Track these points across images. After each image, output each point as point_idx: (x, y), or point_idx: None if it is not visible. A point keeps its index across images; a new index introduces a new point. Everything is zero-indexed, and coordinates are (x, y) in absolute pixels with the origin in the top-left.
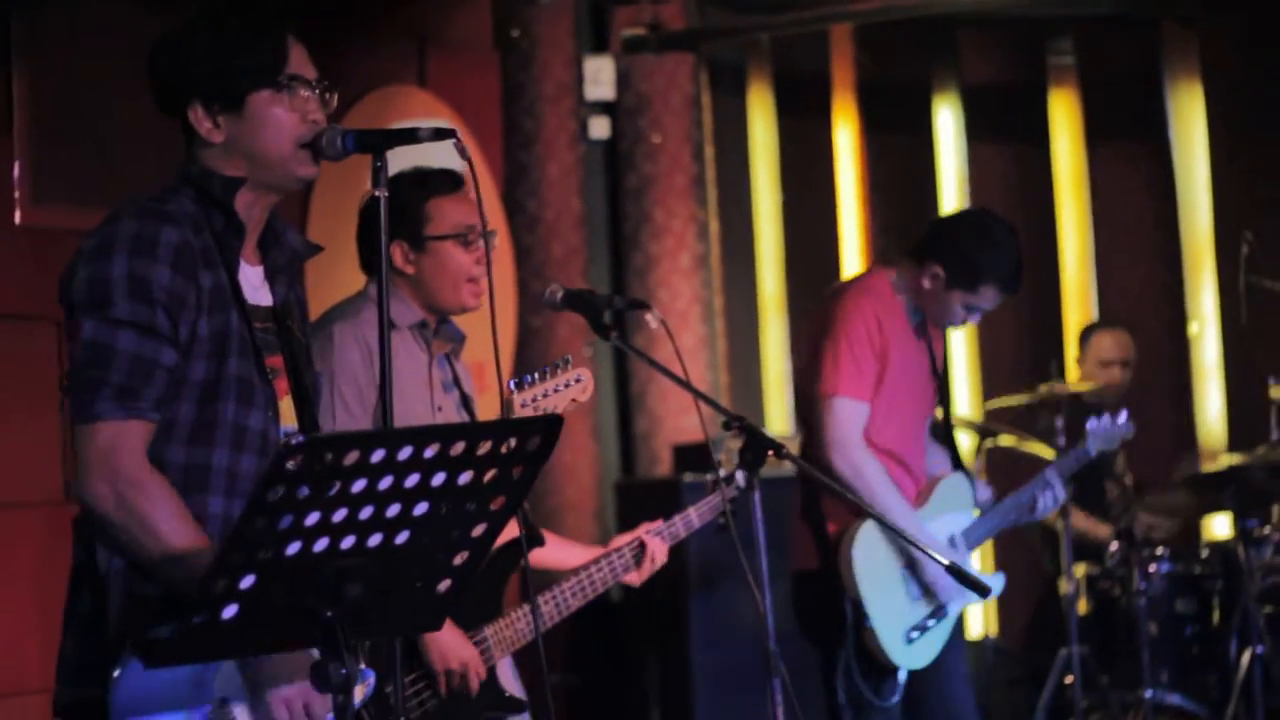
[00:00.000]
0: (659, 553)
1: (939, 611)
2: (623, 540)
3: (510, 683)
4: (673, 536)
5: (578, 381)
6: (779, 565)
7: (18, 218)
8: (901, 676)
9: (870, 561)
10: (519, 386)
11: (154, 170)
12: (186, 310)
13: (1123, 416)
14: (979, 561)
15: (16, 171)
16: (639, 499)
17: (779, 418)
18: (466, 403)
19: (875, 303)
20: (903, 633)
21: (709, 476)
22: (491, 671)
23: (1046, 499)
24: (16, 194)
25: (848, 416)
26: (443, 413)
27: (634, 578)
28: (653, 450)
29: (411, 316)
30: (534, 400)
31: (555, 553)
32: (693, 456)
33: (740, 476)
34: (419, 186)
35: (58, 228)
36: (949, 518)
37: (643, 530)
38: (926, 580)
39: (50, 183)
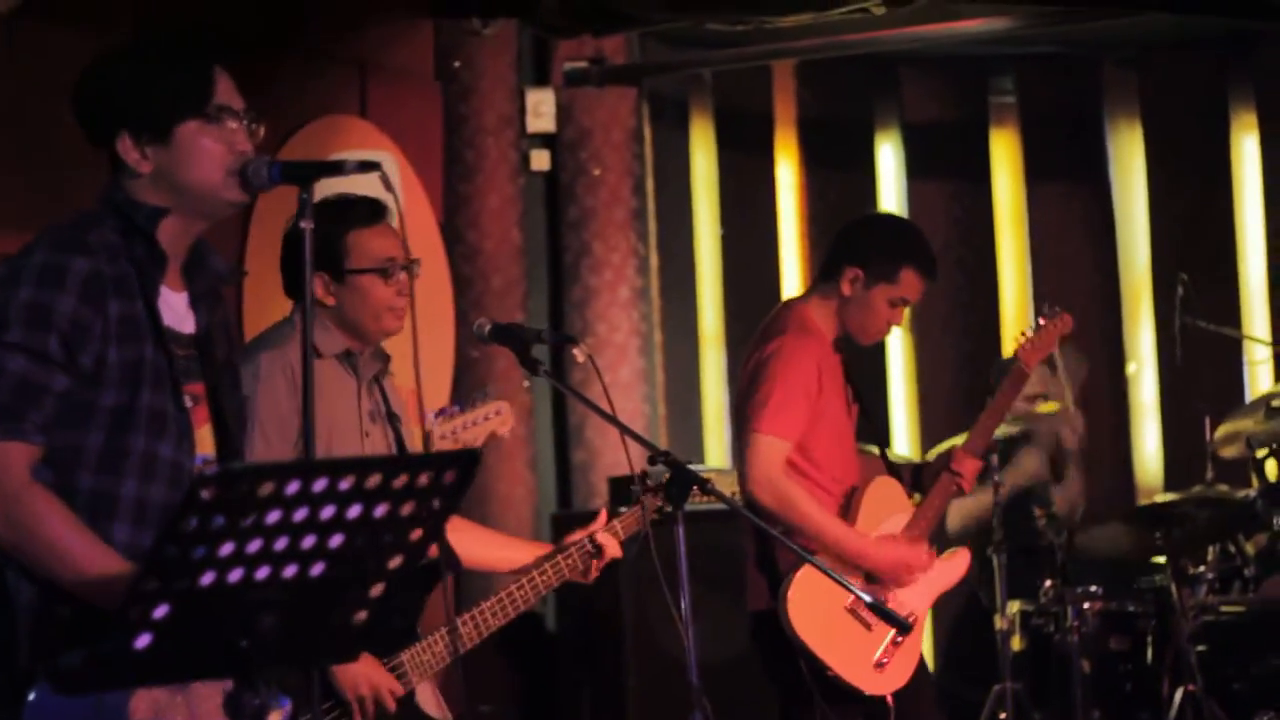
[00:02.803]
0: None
1: (903, 626)
2: (574, 539)
3: (433, 707)
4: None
5: (497, 414)
6: (711, 598)
7: None
8: (890, 700)
9: (810, 611)
10: (439, 417)
11: (95, 197)
12: (91, 340)
13: (1053, 318)
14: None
15: None
16: (574, 531)
17: (717, 452)
18: (394, 422)
19: (815, 344)
20: (870, 663)
21: (633, 487)
22: (410, 696)
23: (966, 476)
24: None
25: (771, 453)
26: (370, 439)
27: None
28: (590, 483)
29: (336, 345)
30: (453, 432)
31: (496, 550)
32: (629, 489)
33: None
34: (339, 220)
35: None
36: (888, 523)
37: (594, 529)
38: (883, 595)
39: None
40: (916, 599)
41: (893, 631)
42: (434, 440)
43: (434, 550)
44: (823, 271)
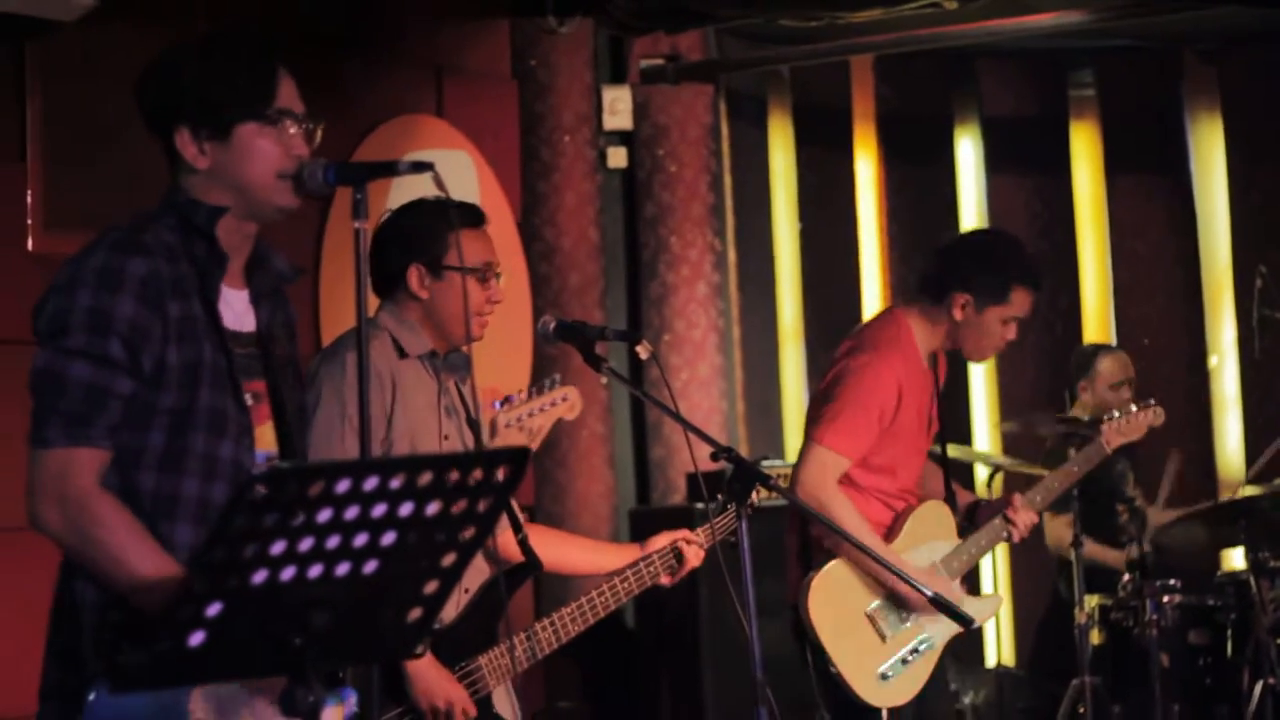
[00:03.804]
0: (694, 559)
1: (920, 645)
2: (656, 545)
3: (508, 710)
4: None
5: (564, 400)
6: (783, 592)
7: (30, 244)
8: (884, 717)
9: (830, 606)
10: (503, 405)
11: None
12: (151, 341)
13: (1149, 412)
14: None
15: (30, 199)
16: (653, 527)
17: (796, 448)
18: (474, 427)
19: (901, 363)
20: (874, 673)
21: (719, 496)
22: (487, 700)
23: (1021, 528)
24: (29, 221)
25: (826, 466)
26: (449, 441)
27: (667, 580)
28: (668, 479)
29: (421, 346)
30: (518, 420)
31: (579, 553)
32: (708, 485)
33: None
34: (443, 214)
35: (70, 254)
36: (926, 547)
37: (678, 536)
38: (907, 613)
39: (63, 210)
40: (939, 630)
41: (908, 649)
42: (499, 428)
43: (518, 554)
44: (928, 290)
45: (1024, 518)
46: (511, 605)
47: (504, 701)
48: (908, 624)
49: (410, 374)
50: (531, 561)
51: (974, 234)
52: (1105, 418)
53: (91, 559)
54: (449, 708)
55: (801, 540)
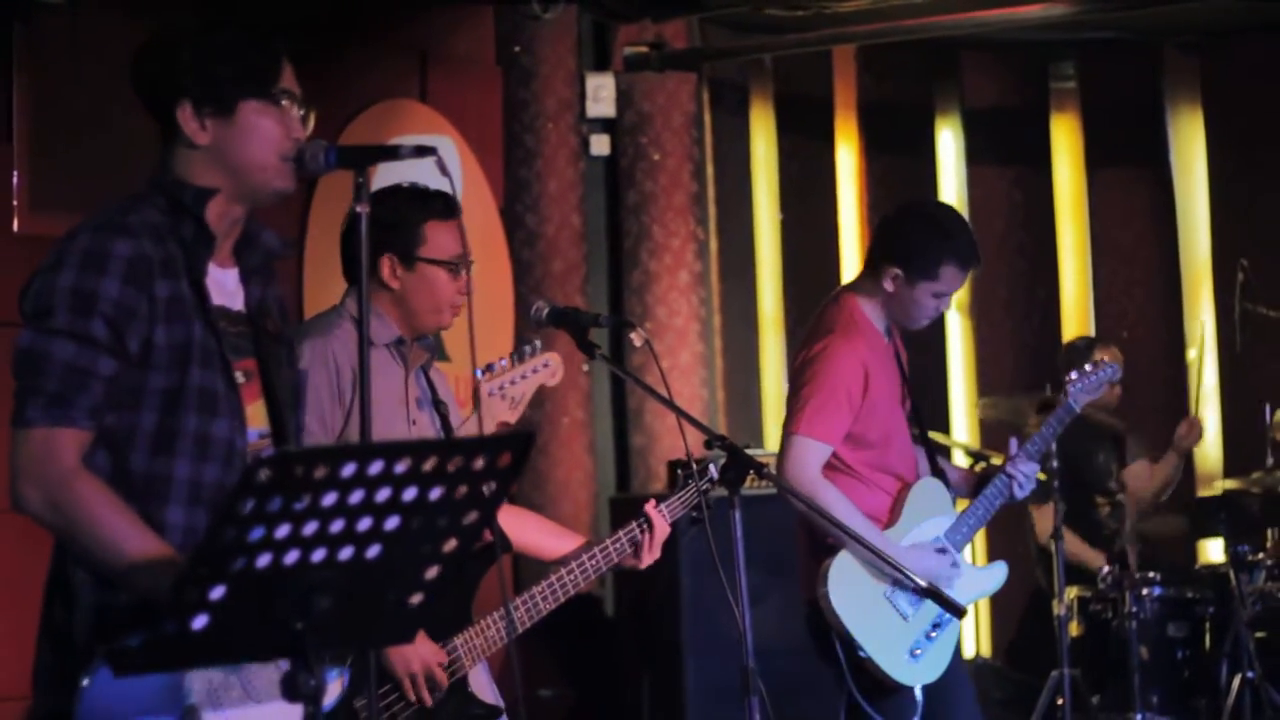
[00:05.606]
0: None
1: (940, 619)
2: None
3: (485, 690)
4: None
5: (545, 366)
6: (769, 582)
7: (16, 225)
8: (918, 694)
9: (849, 594)
10: (485, 373)
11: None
12: (137, 322)
13: (1107, 369)
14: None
15: (15, 179)
16: (633, 514)
17: (776, 436)
18: (441, 408)
19: (862, 341)
20: (905, 652)
21: (679, 471)
22: (464, 680)
23: (1020, 479)
24: (15, 202)
25: (806, 455)
26: (417, 427)
27: (637, 561)
28: (648, 466)
29: (388, 334)
30: (501, 388)
31: (545, 536)
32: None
33: (713, 469)
34: (418, 205)
35: (56, 235)
36: (928, 524)
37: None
38: (915, 594)
39: (49, 191)
40: None
41: (929, 624)
42: (481, 397)
43: (488, 533)
44: (867, 264)
45: (1023, 469)
46: (485, 585)
47: (482, 683)
48: (925, 600)
49: (373, 361)
50: (501, 542)
51: (911, 207)
52: (1067, 377)
53: (74, 539)
54: (425, 670)
55: (810, 535)
